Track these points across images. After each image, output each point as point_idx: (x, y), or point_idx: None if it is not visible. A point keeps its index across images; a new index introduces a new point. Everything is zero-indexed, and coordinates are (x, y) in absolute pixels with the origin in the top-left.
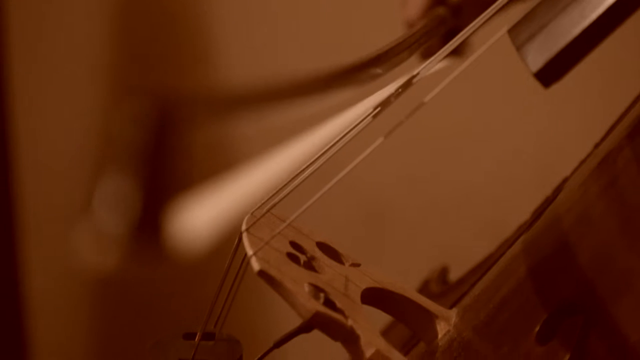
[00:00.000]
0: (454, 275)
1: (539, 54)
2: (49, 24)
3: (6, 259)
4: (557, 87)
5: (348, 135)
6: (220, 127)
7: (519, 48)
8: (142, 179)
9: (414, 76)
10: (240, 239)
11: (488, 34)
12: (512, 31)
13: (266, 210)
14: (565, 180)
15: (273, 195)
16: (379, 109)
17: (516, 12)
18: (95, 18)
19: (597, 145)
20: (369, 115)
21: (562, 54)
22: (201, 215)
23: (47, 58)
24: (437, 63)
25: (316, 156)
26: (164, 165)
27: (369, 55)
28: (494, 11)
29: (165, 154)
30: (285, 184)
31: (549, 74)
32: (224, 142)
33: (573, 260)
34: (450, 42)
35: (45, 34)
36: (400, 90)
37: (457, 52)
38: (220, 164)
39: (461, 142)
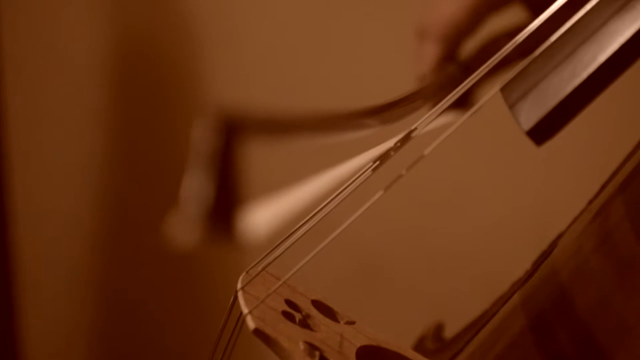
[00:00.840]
0: (449, 331)
1: (531, 113)
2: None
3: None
4: (552, 142)
5: (346, 190)
6: (273, 141)
7: (511, 107)
8: (215, 178)
9: (412, 130)
10: (235, 298)
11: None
12: (505, 90)
13: (261, 268)
14: (560, 236)
15: (268, 253)
16: (377, 162)
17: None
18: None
19: (590, 202)
20: (367, 169)
21: (554, 113)
22: (261, 212)
23: (44, 83)
24: (434, 118)
25: (312, 212)
26: (231, 168)
27: (378, 104)
28: (489, 67)
29: (232, 159)
30: (280, 242)
31: (541, 132)
32: (277, 154)
33: (569, 315)
34: (446, 99)
35: (42, 59)
36: (399, 144)
37: (463, 105)
38: (274, 171)
39: (456, 197)
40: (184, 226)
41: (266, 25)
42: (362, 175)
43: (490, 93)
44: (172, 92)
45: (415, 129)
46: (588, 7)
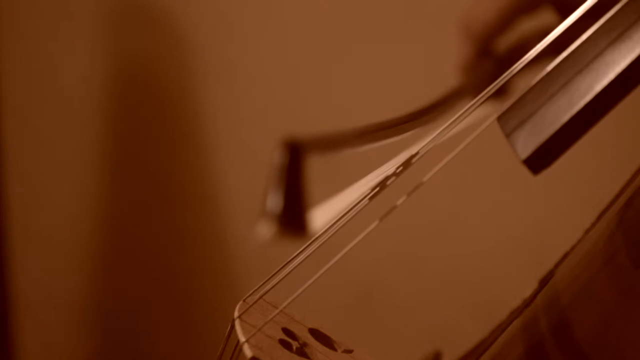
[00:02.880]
0: (447, 359)
1: (528, 141)
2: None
3: None
4: (549, 171)
5: (344, 218)
6: (330, 155)
7: (508, 135)
8: (286, 186)
9: (413, 156)
10: (232, 326)
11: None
12: (501, 118)
13: (258, 297)
14: (557, 264)
15: (266, 281)
16: (377, 189)
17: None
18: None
19: (587, 231)
20: (366, 197)
21: (551, 141)
22: (320, 211)
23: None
24: (438, 140)
25: (310, 240)
26: (299, 179)
27: (416, 109)
28: (498, 86)
29: (299, 173)
30: (278, 270)
31: (538, 161)
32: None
33: (567, 344)
34: (451, 121)
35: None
36: (401, 168)
37: (500, 93)
38: (331, 179)
39: (453, 224)
40: (266, 225)
41: (264, 52)
42: (361, 203)
43: (487, 122)
44: (169, 121)
45: (417, 153)
46: (584, 37)
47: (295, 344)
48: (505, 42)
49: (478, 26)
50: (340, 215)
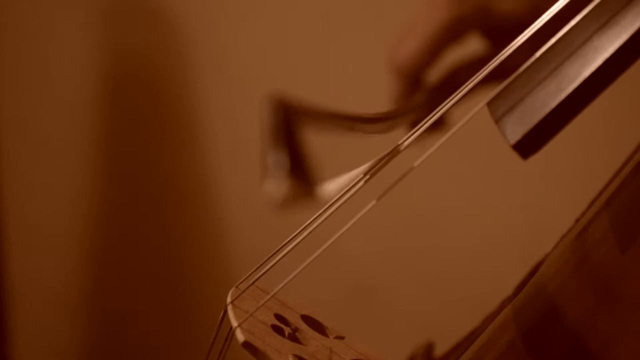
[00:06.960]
0: (439, 350)
1: (517, 127)
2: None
3: None
4: (541, 162)
5: (334, 205)
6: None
7: (497, 121)
8: (287, 142)
9: (398, 145)
10: (225, 312)
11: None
12: (491, 104)
13: (251, 283)
14: (547, 255)
15: (258, 267)
16: (368, 177)
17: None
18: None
19: (577, 220)
20: (357, 181)
21: (540, 126)
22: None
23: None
24: (416, 137)
25: (301, 227)
26: (295, 143)
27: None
28: (471, 85)
29: (293, 135)
30: (270, 256)
31: (527, 146)
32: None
33: (556, 330)
34: (429, 117)
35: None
36: (389, 156)
37: (437, 126)
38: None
39: (446, 217)
40: (275, 182)
41: (261, 46)
42: (352, 189)
43: (478, 107)
44: (164, 116)
45: (402, 143)
46: (572, 23)
47: (287, 330)
48: (435, 72)
49: (405, 60)
50: (330, 202)
